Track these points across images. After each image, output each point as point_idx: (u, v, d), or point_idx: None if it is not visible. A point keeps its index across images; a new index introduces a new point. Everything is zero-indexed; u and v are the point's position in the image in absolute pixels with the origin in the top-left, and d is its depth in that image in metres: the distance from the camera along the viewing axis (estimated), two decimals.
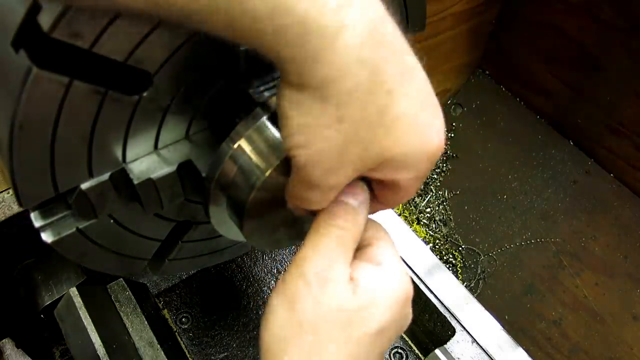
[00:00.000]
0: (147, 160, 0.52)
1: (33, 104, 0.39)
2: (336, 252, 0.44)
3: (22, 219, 0.81)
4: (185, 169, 0.53)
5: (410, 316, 0.49)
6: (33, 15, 0.37)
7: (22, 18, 0.37)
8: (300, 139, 0.41)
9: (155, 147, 0.52)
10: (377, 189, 0.48)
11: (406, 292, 0.47)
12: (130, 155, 0.50)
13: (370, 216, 0.51)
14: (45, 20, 0.37)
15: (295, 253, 1.12)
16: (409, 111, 0.41)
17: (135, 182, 0.50)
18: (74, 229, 0.51)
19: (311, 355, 0.42)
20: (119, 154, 0.49)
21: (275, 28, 0.35)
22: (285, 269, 1.11)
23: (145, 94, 0.46)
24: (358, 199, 0.47)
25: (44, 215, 0.50)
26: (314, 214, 0.47)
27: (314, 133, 0.40)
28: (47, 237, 0.50)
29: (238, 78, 0.51)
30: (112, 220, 0.55)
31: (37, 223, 0.50)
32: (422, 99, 0.42)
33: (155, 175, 0.51)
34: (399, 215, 1.78)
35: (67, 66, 0.40)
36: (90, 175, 0.48)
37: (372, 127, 0.40)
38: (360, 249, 0.48)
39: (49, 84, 0.39)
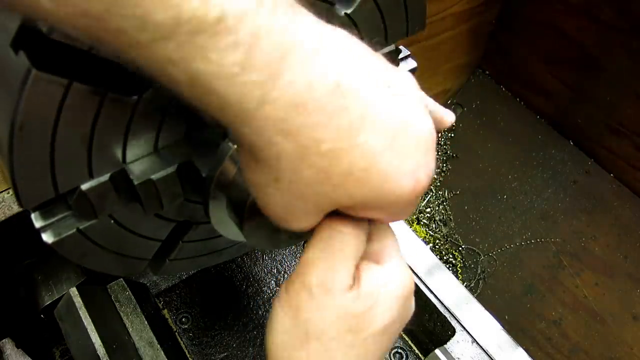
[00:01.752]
0: (147, 160, 0.51)
1: (33, 105, 0.39)
2: (338, 260, 0.44)
3: (22, 219, 0.81)
4: (185, 169, 0.53)
5: (412, 308, 0.49)
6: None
7: (21, 19, 0.37)
8: (252, 191, 0.41)
9: (155, 147, 0.52)
10: None
11: (408, 288, 0.47)
12: (130, 155, 0.50)
13: None
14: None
15: (295, 253, 1.13)
16: (360, 164, 0.37)
17: (136, 182, 0.50)
18: (75, 230, 0.51)
19: None
20: (119, 154, 0.49)
21: (194, 95, 0.34)
22: (285, 270, 1.11)
23: (144, 95, 0.46)
24: None
25: (44, 216, 0.50)
26: None
27: (258, 189, 0.40)
28: (47, 237, 0.50)
29: None
30: (112, 221, 0.55)
31: (38, 224, 0.49)
32: (383, 143, 0.38)
33: (155, 175, 0.51)
34: None
35: (67, 67, 0.40)
36: (91, 176, 0.48)
37: (315, 186, 0.38)
38: None
39: (48, 85, 0.39)
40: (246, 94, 0.33)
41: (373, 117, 0.37)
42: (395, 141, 0.38)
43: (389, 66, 0.40)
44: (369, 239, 0.48)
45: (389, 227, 0.50)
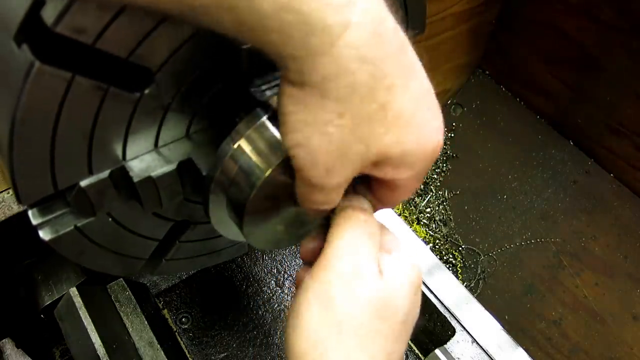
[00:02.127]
0: (147, 158, 0.51)
1: (34, 99, 0.39)
2: (367, 247, 0.45)
3: (22, 218, 0.80)
4: (185, 167, 0.53)
5: (419, 301, 0.49)
6: (36, 10, 0.37)
7: (25, 12, 0.36)
8: (299, 137, 0.40)
9: (156, 145, 0.52)
10: (375, 188, 0.48)
11: (419, 277, 0.48)
12: (130, 153, 0.50)
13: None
14: (48, 14, 0.37)
15: (295, 253, 1.13)
16: (408, 108, 0.41)
17: (135, 180, 0.50)
18: (72, 227, 0.51)
19: (353, 355, 0.42)
20: (119, 151, 0.49)
21: (280, 26, 0.35)
22: (285, 270, 1.11)
23: (146, 91, 0.46)
24: (367, 207, 0.48)
25: (42, 213, 0.50)
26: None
27: (313, 129, 0.40)
28: (44, 234, 0.50)
29: (239, 77, 0.51)
30: (110, 219, 0.55)
31: (35, 220, 0.49)
32: (421, 96, 0.42)
33: (155, 173, 0.51)
34: (399, 215, 1.78)
35: (70, 61, 0.40)
36: (90, 173, 0.48)
37: (373, 123, 0.40)
38: None
39: (50, 79, 0.39)
40: (331, 17, 0.35)
41: (418, 69, 0.42)
42: (428, 97, 0.43)
43: None
44: None
45: (387, 227, 0.51)
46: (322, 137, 0.40)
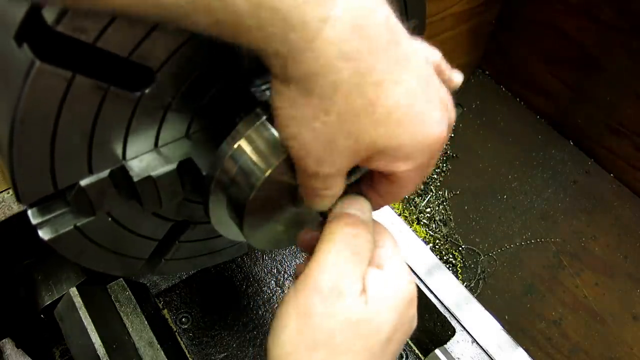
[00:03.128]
0: (147, 157, 0.51)
1: (35, 98, 0.39)
2: (351, 263, 0.44)
3: (22, 219, 0.80)
4: (185, 167, 0.53)
5: (415, 318, 0.48)
6: (37, 9, 0.37)
7: (26, 11, 0.36)
8: (290, 131, 0.41)
9: (156, 144, 0.52)
10: (376, 181, 0.48)
11: (409, 293, 0.46)
12: (130, 152, 0.50)
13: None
14: (49, 13, 0.37)
15: (295, 253, 1.13)
16: (402, 101, 0.39)
17: (135, 179, 0.50)
18: (72, 227, 0.51)
19: None
20: (119, 151, 0.49)
21: (258, 23, 0.35)
22: (285, 270, 1.11)
23: (147, 91, 0.46)
24: (365, 214, 0.47)
25: (41, 212, 0.49)
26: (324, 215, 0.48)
27: (301, 125, 0.40)
28: (44, 234, 0.49)
29: (240, 76, 0.51)
30: (110, 219, 0.55)
31: (35, 220, 0.49)
32: (419, 87, 0.41)
33: (155, 173, 0.51)
34: (399, 215, 1.78)
35: (70, 60, 0.40)
36: (90, 172, 0.48)
37: (361, 119, 0.39)
38: None
39: (51, 78, 0.39)
40: (308, 12, 0.35)
41: (414, 62, 0.40)
42: (428, 89, 0.41)
43: None
44: None
45: (388, 232, 0.50)
46: (309, 132, 0.40)
